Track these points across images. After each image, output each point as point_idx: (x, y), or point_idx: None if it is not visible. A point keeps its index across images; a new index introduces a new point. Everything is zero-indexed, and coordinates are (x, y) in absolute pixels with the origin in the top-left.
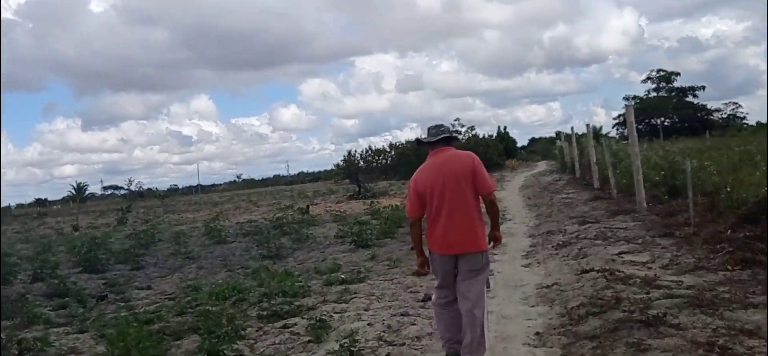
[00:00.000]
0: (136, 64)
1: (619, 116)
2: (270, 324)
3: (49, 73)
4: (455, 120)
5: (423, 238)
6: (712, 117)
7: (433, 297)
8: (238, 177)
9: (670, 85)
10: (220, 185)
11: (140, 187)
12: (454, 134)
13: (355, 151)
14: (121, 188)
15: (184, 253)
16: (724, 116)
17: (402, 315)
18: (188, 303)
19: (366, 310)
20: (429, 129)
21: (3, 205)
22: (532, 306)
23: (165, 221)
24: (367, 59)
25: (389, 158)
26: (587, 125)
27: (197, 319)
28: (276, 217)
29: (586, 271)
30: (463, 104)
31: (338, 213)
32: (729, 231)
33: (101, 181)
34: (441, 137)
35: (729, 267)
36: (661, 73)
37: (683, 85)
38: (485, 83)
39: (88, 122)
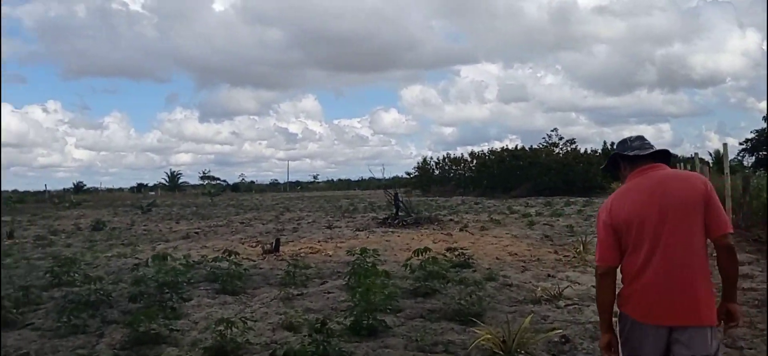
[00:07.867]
0: (252, 62)
1: (747, 140)
2: None
3: (173, 65)
4: (552, 131)
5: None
6: None
7: None
8: (315, 178)
9: None
10: (318, 182)
11: (243, 179)
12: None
13: (431, 158)
14: (217, 179)
15: None
16: None
17: None
18: None
19: None
20: (627, 141)
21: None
22: None
23: (131, 235)
24: (471, 68)
25: (468, 170)
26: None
27: None
28: (133, 276)
29: None
30: (565, 118)
31: (295, 262)
32: None
33: (203, 171)
34: (652, 151)
35: None
36: None
37: None
38: (591, 99)
39: (205, 114)
